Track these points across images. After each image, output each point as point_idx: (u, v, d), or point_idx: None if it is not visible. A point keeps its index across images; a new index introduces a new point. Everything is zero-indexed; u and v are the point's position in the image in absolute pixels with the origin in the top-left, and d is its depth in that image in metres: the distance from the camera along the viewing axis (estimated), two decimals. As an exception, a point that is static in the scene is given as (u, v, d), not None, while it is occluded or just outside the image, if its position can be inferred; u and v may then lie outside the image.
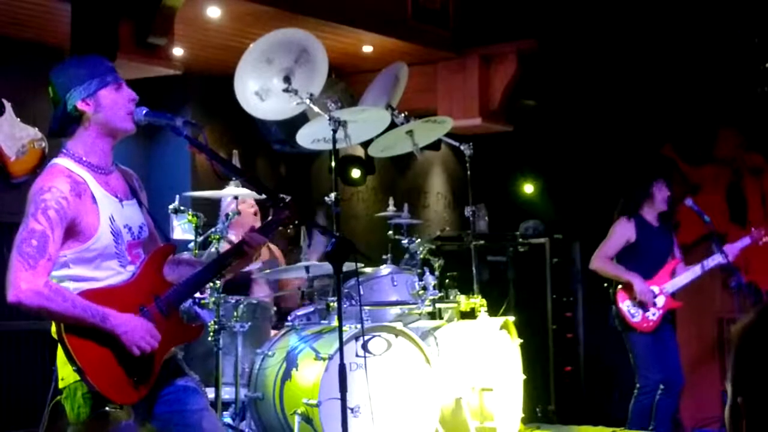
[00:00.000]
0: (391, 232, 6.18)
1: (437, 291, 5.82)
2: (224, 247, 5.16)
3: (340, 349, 4.15)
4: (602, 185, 8.28)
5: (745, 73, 7.83)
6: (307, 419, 4.96)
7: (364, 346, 5.04)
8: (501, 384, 5.75)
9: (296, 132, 5.67)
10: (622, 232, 6.39)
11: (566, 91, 8.58)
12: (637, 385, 6.32)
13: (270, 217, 3.73)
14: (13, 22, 6.50)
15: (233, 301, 5.39)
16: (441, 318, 6.13)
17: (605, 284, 6.51)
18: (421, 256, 6.08)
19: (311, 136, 5.64)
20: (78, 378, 3.20)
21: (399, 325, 5.35)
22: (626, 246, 6.38)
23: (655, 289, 6.30)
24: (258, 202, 6.09)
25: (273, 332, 5.73)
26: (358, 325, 4.98)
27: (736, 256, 6.47)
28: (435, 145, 7.57)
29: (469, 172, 6.47)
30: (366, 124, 5.69)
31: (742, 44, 7.79)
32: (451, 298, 6.16)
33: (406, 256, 6.14)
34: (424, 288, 5.70)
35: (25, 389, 6.51)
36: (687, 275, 6.45)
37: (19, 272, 3.13)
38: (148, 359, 3.31)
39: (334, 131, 5.30)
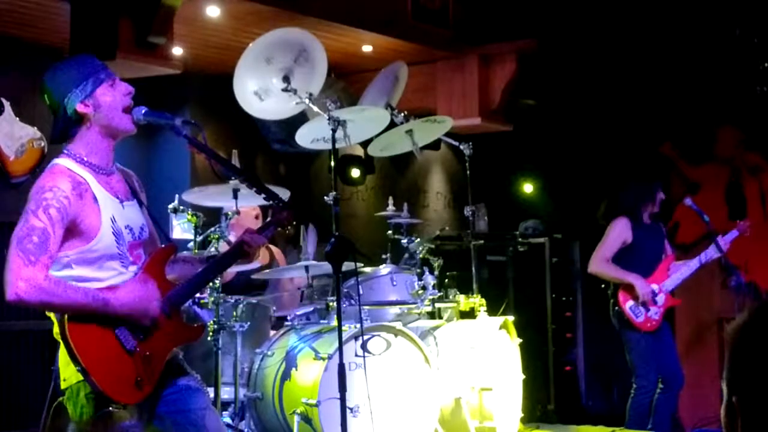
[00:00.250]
0: (390, 232, 6.18)
1: (437, 290, 5.82)
2: (223, 246, 5.16)
3: (340, 349, 4.15)
4: (602, 185, 8.28)
5: (744, 72, 7.83)
6: (306, 419, 4.96)
7: (364, 346, 5.04)
8: (500, 384, 5.74)
9: (296, 132, 5.67)
10: (620, 233, 6.38)
11: (566, 91, 8.58)
12: (635, 385, 6.32)
13: (269, 218, 3.74)
14: (13, 21, 6.50)
15: (232, 300, 5.39)
16: (440, 318, 6.12)
17: (602, 285, 6.51)
18: (421, 255, 6.08)
19: (311, 136, 5.64)
20: (81, 378, 3.20)
21: (398, 325, 5.35)
22: (622, 247, 6.38)
23: (655, 287, 6.30)
24: (261, 206, 6.09)
25: (272, 332, 5.73)
26: (358, 325, 4.98)
27: (729, 249, 6.48)
28: (434, 145, 7.56)
29: (468, 172, 6.47)
30: (366, 123, 5.69)
31: (741, 44, 7.79)
32: (451, 297, 6.16)
33: (406, 255, 6.14)
34: (424, 287, 5.70)
35: (25, 389, 6.51)
36: (684, 271, 6.44)
37: (19, 269, 3.11)
38: (151, 357, 3.31)
39: (334, 131, 5.29)
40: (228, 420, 5.34)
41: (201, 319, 5.02)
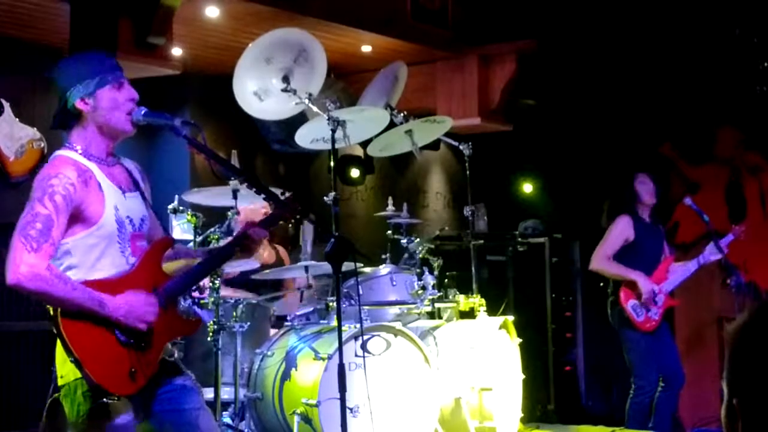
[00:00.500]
0: (390, 232, 6.18)
1: (436, 290, 5.82)
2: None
3: (339, 349, 4.15)
4: (601, 185, 8.28)
5: (744, 72, 7.84)
6: (306, 419, 4.96)
7: (364, 346, 5.04)
8: (500, 384, 5.74)
9: (295, 132, 5.67)
10: (622, 230, 6.38)
11: (565, 91, 8.59)
12: (633, 386, 6.31)
13: (271, 211, 3.74)
14: (13, 22, 6.50)
15: (232, 301, 5.39)
16: (440, 318, 6.12)
17: (601, 283, 6.51)
18: (421, 255, 6.07)
19: (310, 136, 5.64)
20: (78, 375, 3.20)
21: (398, 325, 5.35)
22: (624, 245, 6.38)
23: (655, 287, 6.30)
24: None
25: (272, 332, 5.73)
26: (358, 325, 4.98)
27: (726, 251, 6.48)
28: (434, 145, 7.56)
29: (468, 172, 6.47)
30: (365, 123, 5.69)
31: (741, 43, 7.80)
32: (451, 297, 6.16)
33: (406, 255, 6.14)
34: (424, 287, 5.70)
35: (25, 389, 6.51)
36: (683, 272, 6.45)
37: (21, 254, 3.12)
38: (145, 349, 3.32)
39: (333, 131, 5.29)
40: (228, 420, 5.34)
41: (201, 319, 5.03)
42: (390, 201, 6.24)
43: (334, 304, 4.89)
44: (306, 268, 5.59)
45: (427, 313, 5.97)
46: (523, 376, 6.01)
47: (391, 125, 6.05)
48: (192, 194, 5.67)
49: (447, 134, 6.53)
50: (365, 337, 5.07)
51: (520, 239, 8.24)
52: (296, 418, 4.97)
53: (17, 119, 6.25)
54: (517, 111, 8.63)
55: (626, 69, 8.26)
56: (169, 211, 5.35)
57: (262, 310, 5.75)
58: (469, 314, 6.11)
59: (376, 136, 5.98)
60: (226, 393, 5.35)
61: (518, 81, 8.28)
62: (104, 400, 3.22)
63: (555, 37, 8.18)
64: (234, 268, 5.60)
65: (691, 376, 6.48)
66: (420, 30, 7.79)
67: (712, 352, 8.14)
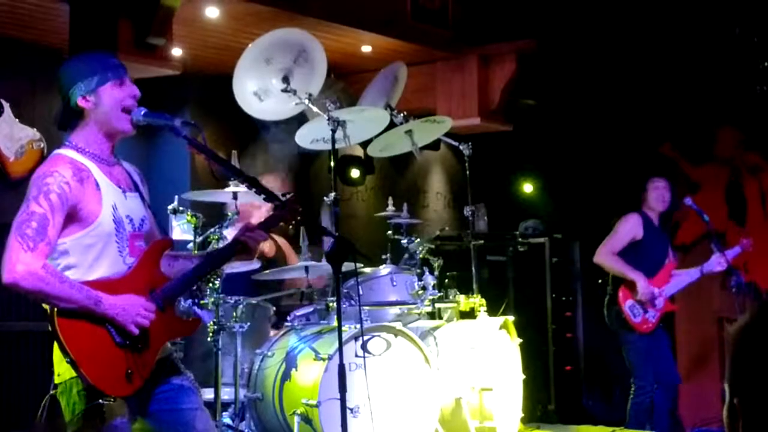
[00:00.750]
0: (390, 232, 6.18)
1: (437, 291, 5.82)
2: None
3: (340, 350, 4.15)
4: (602, 184, 8.28)
5: (744, 72, 7.84)
6: (306, 419, 4.96)
7: (364, 346, 5.04)
8: (501, 384, 5.74)
9: (295, 132, 5.67)
10: (631, 227, 6.39)
11: (565, 91, 8.59)
12: (633, 386, 6.32)
13: (271, 212, 3.74)
14: (12, 22, 6.50)
15: (232, 301, 5.39)
16: (440, 318, 6.12)
17: (599, 281, 6.50)
18: (421, 255, 6.07)
19: (310, 136, 5.64)
20: (74, 374, 3.20)
21: (398, 325, 5.34)
22: (631, 243, 6.38)
23: (656, 290, 6.29)
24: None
25: (272, 332, 5.73)
26: (358, 325, 4.97)
27: (729, 263, 6.49)
28: (434, 145, 7.56)
29: (468, 172, 6.47)
30: (365, 124, 5.69)
31: (741, 43, 7.80)
32: (451, 297, 6.16)
33: (406, 255, 6.13)
34: (424, 288, 5.70)
35: (26, 389, 6.51)
36: (685, 278, 6.46)
37: (17, 253, 3.12)
38: (142, 350, 3.31)
39: (333, 131, 5.29)
40: (228, 421, 5.34)
41: (201, 319, 5.03)
42: (390, 201, 6.24)
43: (335, 304, 4.89)
44: (306, 269, 5.59)
45: (428, 313, 5.97)
46: (524, 376, 6.01)
47: (391, 125, 6.05)
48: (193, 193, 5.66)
49: (447, 134, 6.53)
50: (365, 338, 5.07)
51: (520, 239, 8.24)
52: (296, 419, 4.97)
53: (17, 120, 6.25)
54: (517, 111, 8.63)
55: (626, 69, 8.26)
56: (168, 212, 5.34)
57: (262, 310, 5.74)
58: (470, 314, 6.11)
59: (377, 136, 5.98)
60: (226, 393, 5.35)
61: (518, 81, 8.28)
62: (100, 401, 3.21)
63: (555, 36, 8.18)
64: (234, 268, 5.60)
65: (692, 376, 6.50)
66: (420, 30, 7.79)
67: (713, 352, 8.13)
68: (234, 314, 5.33)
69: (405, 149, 6.20)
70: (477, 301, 6.11)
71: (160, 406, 3.42)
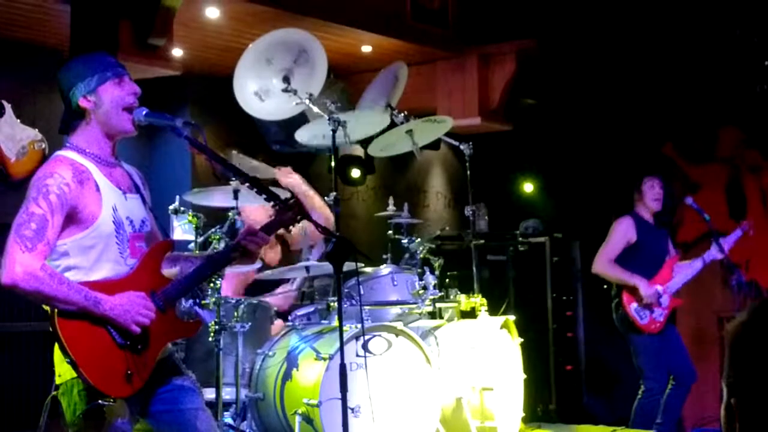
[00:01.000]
0: (391, 232, 6.18)
1: (437, 290, 5.81)
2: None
3: (341, 349, 4.16)
4: (602, 184, 8.29)
5: (745, 71, 7.84)
6: (307, 419, 4.96)
7: (365, 346, 5.04)
8: (502, 383, 5.74)
9: (295, 132, 5.67)
10: (623, 232, 6.38)
11: (566, 90, 8.59)
12: (642, 388, 6.29)
13: (273, 216, 3.74)
14: (13, 23, 6.51)
15: (233, 301, 5.39)
16: (441, 317, 6.12)
17: (605, 286, 6.50)
18: (421, 255, 6.07)
19: (310, 133, 5.64)
20: (75, 375, 3.20)
21: (399, 325, 5.34)
22: (626, 247, 6.37)
23: (659, 288, 6.29)
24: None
25: (273, 332, 5.72)
26: (359, 325, 4.98)
27: (731, 248, 6.48)
28: (435, 145, 7.56)
29: (468, 172, 6.47)
30: (365, 124, 5.69)
31: (741, 43, 7.80)
32: (452, 297, 6.16)
33: (406, 255, 6.13)
34: (425, 287, 5.70)
35: (25, 389, 6.52)
36: (688, 272, 6.44)
37: (16, 254, 3.13)
38: (143, 352, 3.31)
39: (334, 131, 5.29)
40: (229, 421, 5.34)
41: (202, 319, 5.03)
42: (391, 201, 6.24)
43: (335, 304, 4.89)
44: (307, 269, 5.59)
45: (428, 313, 5.97)
46: (525, 376, 6.01)
47: (392, 125, 6.05)
48: (193, 194, 5.66)
49: (447, 134, 6.53)
50: (366, 337, 5.07)
51: (520, 239, 8.24)
52: (297, 419, 4.97)
53: (18, 120, 6.25)
54: (518, 110, 8.63)
55: (627, 68, 8.26)
56: (170, 212, 5.35)
57: (263, 310, 5.74)
58: (470, 314, 6.11)
59: (377, 136, 5.98)
60: (227, 393, 5.34)
61: (518, 80, 8.28)
62: (100, 402, 3.22)
63: (555, 36, 8.18)
64: (235, 269, 5.60)
65: (692, 376, 6.49)
66: (420, 30, 7.80)
67: (714, 351, 8.14)
68: (235, 314, 5.33)
69: (405, 149, 6.20)
70: (478, 300, 6.11)
71: (162, 407, 3.43)
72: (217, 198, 5.57)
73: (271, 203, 3.66)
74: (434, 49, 8.05)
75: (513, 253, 8.19)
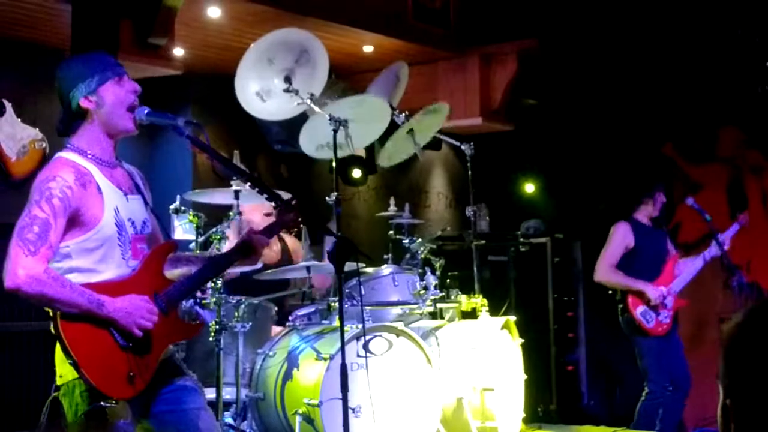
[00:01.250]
0: (392, 232, 6.18)
1: (438, 291, 5.81)
2: (225, 247, 5.16)
3: (342, 349, 4.16)
4: (603, 184, 8.28)
5: (745, 71, 7.83)
6: (308, 419, 4.96)
7: (366, 346, 5.03)
8: (502, 384, 5.74)
9: (297, 132, 5.66)
10: (621, 238, 6.37)
11: (567, 90, 8.58)
12: (646, 390, 6.28)
13: (274, 218, 3.74)
14: (14, 22, 6.51)
15: (234, 301, 5.39)
16: (442, 318, 6.12)
17: (609, 291, 6.47)
18: (422, 255, 6.07)
19: (315, 142, 5.62)
20: (76, 375, 3.20)
21: (400, 325, 5.34)
22: (625, 252, 6.36)
23: (663, 290, 6.28)
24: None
25: (274, 332, 5.72)
26: (360, 325, 4.97)
27: (732, 250, 6.47)
28: (436, 145, 7.57)
29: (470, 172, 6.46)
30: (367, 123, 5.68)
31: (742, 43, 7.79)
32: (453, 297, 6.16)
33: (407, 255, 6.13)
34: (426, 288, 5.70)
35: (26, 389, 6.51)
36: (690, 270, 6.43)
37: (19, 258, 3.11)
38: (145, 353, 3.31)
39: (335, 131, 5.28)
40: (230, 420, 5.34)
41: (202, 319, 5.03)
42: (392, 201, 6.24)
43: (336, 304, 4.89)
44: (308, 269, 5.59)
45: (429, 313, 5.97)
46: (525, 377, 6.01)
47: (393, 125, 6.04)
48: (195, 193, 5.66)
49: (449, 134, 6.53)
50: (367, 338, 5.06)
51: (521, 239, 8.24)
52: (298, 419, 4.97)
53: (19, 119, 6.24)
54: (519, 111, 8.63)
55: (628, 69, 8.26)
56: (171, 211, 5.34)
57: (264, 310, 5.74)
58: (471, 314, 6.11)
59: (380, 141, 5.98)
60: (227, 393, 5.35)
61: (520, 81, 8.28)
62: (102, 403, 3.21)
63: (556, 36, 8.18)
64: (236, 269, 5.60)
65: (694, 376, 6.47)
66: (421, 30, 7.79)
67: (714, 352, 8.08)
68: (236, 314, 5.33)
69: (409, 152, 6.20)
70: (479, 301, 6.11)
71: (164, 407, 3.42)
72: (218, 197, 5.58)
73: (272, 204, 3.66)
74: (435, 49, 8.04)
75: (514, 253, 8.19)
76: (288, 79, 5.56)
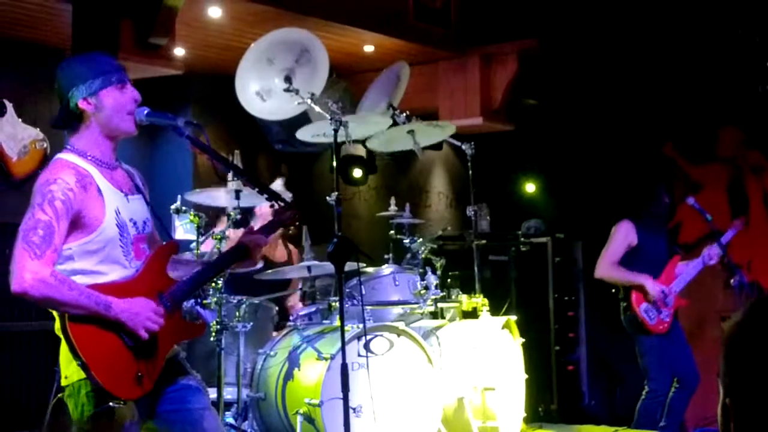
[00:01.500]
0: (392, 232, 6.18)
1: (439, 290, 5.81)
2: (226, 247, 5.16)
3: (342, 349, 4.16)
4: (604, 184, 8.28)
5: (746, 71, 7.83)
6: (309, 419, 4.96)
7: (366, 346, 5.04)
8: (503, 383, 5.74)
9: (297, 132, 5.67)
10: (624, 235, 6.36)
11: (567, 90, 8.58)
12: (646, 389, 6.27)
13: (271, 218, 3.74)
14: (15, 22, 6.51)
15: (235, 301, 5.39)
16: (443, 317, 6.12)
17: (613, 290, 6.47)
18: (423, 255, 6.07)
19: (311, 131, 5.63)
20: (82, 376, 3.20)
21: (401, 325, 5.34)
22: (627, 250, 6.35)
23: (663, 288, 6.28)
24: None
25: (275, 332, 5.73)
26: (360, 325, 4.98)
27: (733, 250, 6.46)
28: (436, 145, 7.56)
29: (470, 172, 6.46)
30: (368, 124, 5.69)
31: (742, 43, 7.79)
32: (453, 297, 6.16)
33: (408, 255, 6.14)
34: (426, 287, 5.70)
35: (26, 389, 6.52)
36: (690, 271, 6.43)
37: (25, 261, 3.11)
38: (152, 353, 3.31)
39: (336, 131, 5.29)
40: (231, 420, 5.34)
41: (204, 319, 5.03)
42: (392, 201, 6.24)
43: (337, 304, 4.89)
44: (309, 268, 5.59)
45: (430, 313, 5.97)
46: (526, 376, 6.01)
47: (394, 125, 6.04)
48: (195, 194, 5.65)
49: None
50: (368, 337, 5.07)
51: (522, 239, 8.23)
52: (299, 418, 4.97)
53: (20, 119, 6.24)
54: (519, 110, 8.63)
55: (628, 68, 8.26)
56: (171, 212, 5.35)
57: (265, 310, 5.75)
58: (472, 314, 6.11)
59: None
60: (229, 393, 5.35)
61: (520, 80, 8.28)
62: (110, 404, 3.21)
63: (557, 36, 8.18)
64: (237, 271, 5.60)
65: (695, 375, 6.48)
66: (422, 30, 7.79)
67: (715, 352, 8.08)
68: (237, 314, 5.34)
69: (406, 146, 6.19)
70: (479, 300, 6.11)
71: (169, 407, 3.42)
72: (222, 197, 5.57)
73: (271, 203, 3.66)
74: (436, 49, 8.05)
75: (515, 253, 8.18)
76: (288, 79, 5.57)
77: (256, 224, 5.62)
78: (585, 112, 8.66)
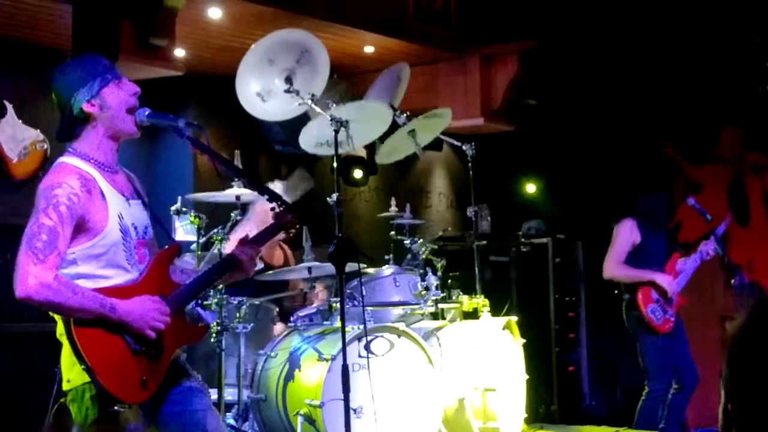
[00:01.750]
0: (393, 233, 6.19)
1: (440, 291, 5.81)
2: (227, 247, 5.16)
3: (343, 350, 4.16)
4: (604, 185, 8.28)
5: (746, 71, 7.83)
6: (310, 420, 4.96)
7: (367, 347, 5.04)
8: (504, 384, 5.74)
9: (298, 133, 5.66)
10: (629, 233, 6.36)
11: (568, 91, 8.58)
12: (647, 389, 6.27)
13: (272, 220, 3.74)
14: (15, 23, 6.50)
15: (236, 302, 5.39)
16: (444, 318, 6.13)
17: (616, 291, 6.46)
18: (424, 256, 6.08)
19: (315, 140, 5.63)
20: (86, 380, 3.19)
21: (402, 326, 5.34)
22: (632, 248, 6.35)
23: (671, 279, 6.27)
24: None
25: (276, 332, 5.73)
26: (361, 326, 4.98)
27: (733, 250, 6.47)
28: (437, 145, 7.56)
29: (471, 172, 6.46)
30: (368, 123, 5.68)
31: (743, 43, 7.79)
32: (454, 298, 6.16)
33: (409, 256, 6.14)
34: (427, 288, 5.70)
35: (26, 390, 6.51)
36: (690, 266, 6.43)
37: (29, 266, 3.11)
38: (156, 357, 3.31)
39: (336, 131, 5.28)
40: (231, 421, 5.34)
41: (204, 320, 5.03)
42: (393, 202, 6.25)
43: (338, 304, 4.89)
44: (309, 269, 5.59)
45: (431, 313, 5.98)
46: (527, 377, 6.01)
47: (394, 126, 6.04)
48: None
49: (450, 135, 6.52)
50: (369, 338, 5.07)
51: (523, 240, 8.23)
52: (300, 419, 4.97)
53: (20, 121, 6.25)
54: (520, 111, 8.63)
55: (629, 69, 8.26)
56: (172, 213, 5.35)
57: (265, 311, 5.75)
58: (473, 315, 6.11)
59: (380, 140, 5.97)
60: (229, 394, 5.35)
61: (521, 81, 8.27)
62: (115, 408, 3.21)
63: (557, 36, 8.18)
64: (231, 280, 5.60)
65: (696, 375, 6.48)
66: (422, 30, 7.79)
67: (716, 352, 8.10)
68: (237, 315, 5.34)
69: (409, 152, 6.20)
70: (480, 301, 6.11)
71: (172, 408, 3.43)
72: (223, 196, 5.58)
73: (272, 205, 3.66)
74: (436, 49, 8.04)
75: (515, 253, 8.19)
76: (289, 80, 5.56)
77: (251, 220, 5.62)
78: (585, 112, 8.66)
